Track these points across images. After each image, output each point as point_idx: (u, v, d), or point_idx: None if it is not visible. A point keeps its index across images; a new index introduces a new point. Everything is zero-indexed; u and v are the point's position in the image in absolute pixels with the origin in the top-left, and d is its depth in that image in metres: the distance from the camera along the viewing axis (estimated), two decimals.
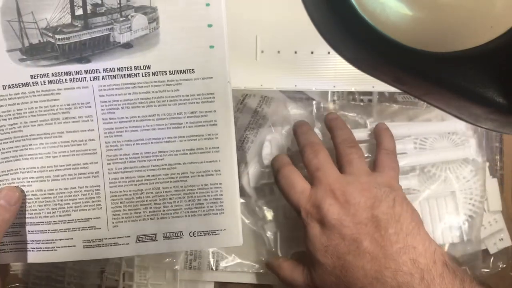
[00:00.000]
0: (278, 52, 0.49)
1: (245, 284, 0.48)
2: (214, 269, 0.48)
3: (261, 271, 0.48)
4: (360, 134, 0.47)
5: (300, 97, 0.51)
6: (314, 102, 0.50)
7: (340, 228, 0.37)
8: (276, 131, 0.49)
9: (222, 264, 0.48)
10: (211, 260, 0.48)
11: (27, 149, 0.37)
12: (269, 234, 0.48)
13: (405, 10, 0.28)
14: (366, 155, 0.46)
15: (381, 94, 0.51)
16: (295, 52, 0.49)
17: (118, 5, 0.36)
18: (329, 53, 0.48)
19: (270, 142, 0.48)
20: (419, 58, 0.28)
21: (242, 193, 0.48)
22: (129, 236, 0.39)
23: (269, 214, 0.48)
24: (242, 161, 0.49)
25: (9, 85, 0.36)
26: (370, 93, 0.50)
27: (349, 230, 0.37)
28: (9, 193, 0.37)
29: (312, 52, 0.49)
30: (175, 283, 0.48)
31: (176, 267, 0.48)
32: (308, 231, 0.39)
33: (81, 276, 0.49)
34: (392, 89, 0.41)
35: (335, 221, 0.37)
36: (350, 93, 0.50)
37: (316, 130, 0.47)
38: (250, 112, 0.50)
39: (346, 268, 0.37)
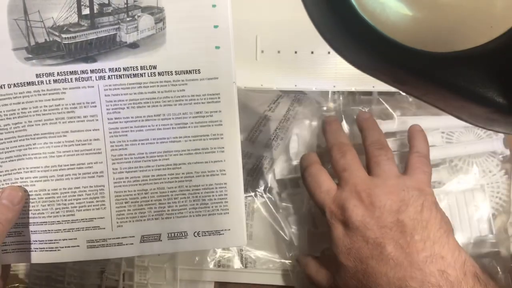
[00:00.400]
0: (278, 52, 0.49)
1: (246, 284, 0.48)
2: (244, 266, 0.48)
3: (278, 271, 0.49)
4: (388, 126, 0.48)
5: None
6: (341, 96, 0.50)
7: (364, 230, 0.37)
8: (304, 126, 0.49)
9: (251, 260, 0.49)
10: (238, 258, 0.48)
11: (30, 148, 0.37)
12: (293, 228, 0.48)
13: (405, 10, 0.28)
14: (394, 151, 0.46)
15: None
16: (295, 52, 0.49)
17: (125, 5, 0.36)
18: (329, 53, 0.48)
19: (297, 136, 0.48)
20: (419, 58, 0.28)
21: (267, 190, 0.49)
22: (133, 236, 0.39)
23: (293, 208, 0.49)
24: (270, 157, 0.49)
25: (14, 84, 0.36)
26: (370, 93, 0.50)
27: (372, 234, 0.36)
28: (12, 192, 0.36)
29: (312, 52, 0.49)
30: (175, 283, 0.48)
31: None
32: (332, 232, 0.39)
33: (81, 276, 0.49)
34: (392, 89, 0.41)
35: (359, 223, 0.37)
36: (350, 93, 0.50)
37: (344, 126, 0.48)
38: (282, 111, 0.50)
39: (369, 274, 0.36)
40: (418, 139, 0.43)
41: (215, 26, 0.37)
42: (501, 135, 0.48)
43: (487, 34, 0.27)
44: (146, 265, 0.48)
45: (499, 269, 0.45)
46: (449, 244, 0.36)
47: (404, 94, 0.48)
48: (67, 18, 0.36)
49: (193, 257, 0.48)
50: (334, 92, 0.50)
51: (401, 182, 0.38)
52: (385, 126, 0.48)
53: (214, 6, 0.36)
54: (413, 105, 0.49)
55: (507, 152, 0.48)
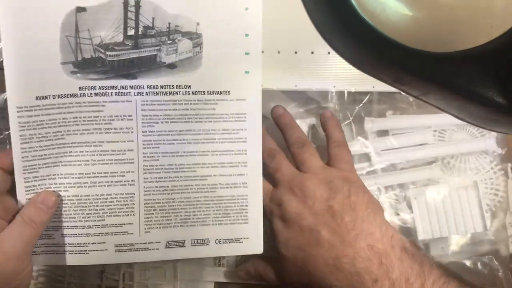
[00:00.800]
0: (278, 52, 0.49)
1: (246, 284, 0.49)
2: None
3: None
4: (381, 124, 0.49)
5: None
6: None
7: (299, 220, 0.39)
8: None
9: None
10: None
11: (66, 155, 0.39)
12: None
13: (405, 10, 0.28)
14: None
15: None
16: (295, 52, 0.49)
17: (167, 29, 0.39)
18: (329, 53, 0.48)
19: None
20: (419, 58, 0.28)
21: None
22: (159, 242, 0.41)
23: None
24: None
25: (58, 95, 0.38)
26: (370, 93, 0.50)
27: (307, 222, 0.39)
28: (47, 196, 0.38)
29: (312, 52, 0.48)
30: (175, 283, 0.48)
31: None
32: (272, 228, 0.41)
33: (81, 276, 0.49)
34: (392, 89, 0.42)
35: (294, 214, 0.39)
36: (350, 93, 0.50)
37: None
38: None
39: (307, 259, 0.39)
40: (332, 128, 0.45)
41: (246, 53, 0.41)
42: (494, 134, 0.49)
43: (487, 34, 0.27)
44: (146, 265, 0.49)
45: (499, 268, 0.47)
46: (377, 221, 0.39)
47: (404, 94, 0.49)
48: (113, 37, 0.39)
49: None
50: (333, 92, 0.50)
51: (328, 174, 0.41)
52: (378, 124, 0.49)
53: (246, 35, 0.41)
54: (413, 105, 0.50)
55: (499, 150, 0.49)
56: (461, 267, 0.48)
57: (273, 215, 0.41)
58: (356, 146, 0.49)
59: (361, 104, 0.49)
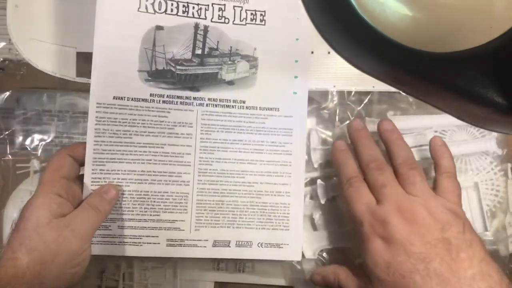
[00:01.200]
0: None
1: (246, 284, 0.49)
2: (242, 271, 0.49)
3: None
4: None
5: None
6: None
7: (407, 245, 0.36)
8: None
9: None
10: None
11: (131, 154, 0.44)
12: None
13: (404, 10, 0.28)
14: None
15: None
16: None
17: (229, 52, 0.46)
18: (329, 53, 0.48)
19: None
20: (419, 58, 0.28)
21: None
22: (207, 240, 0.45)
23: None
24: None
25: (132, 98, 0.44)
26: (370, 93, 0.50)
27: (416, 249, 0.36)
28: (110, 189, 0.42)
29: (312, 52, 0.48)
30: (175, 283, 0.49)
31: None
32: (369, 245, 0.38)
33: None
34: (392, 89, 0.41)
35: (402, 238, 0.37)
36: (350, 93, 0.50)
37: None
38: None
39: None
40: (444, 157, 0.43)
41: (295, 77, 0.47)
42: (494, 135, 0.49)
43: (486, 35, 0.27)
44: (146, 265, 0.49)
45: None
46: (493, 264, 0.36)
47: (404, 94, 0.49)
48: (183, 54, 0.45)
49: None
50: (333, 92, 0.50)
51: (439, 203, 0.39)
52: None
53: (296, 61, 0.47)
54: (413, 105, 0.50)
55: (500, 151, 0.49)
56: None
57: (373, 232, 0.38)
58: None
59: (361, 105, 0.50)
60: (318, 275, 0.44)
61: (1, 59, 0.48)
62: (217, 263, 0.48)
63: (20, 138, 0.48)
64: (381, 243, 0.38)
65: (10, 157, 0.48)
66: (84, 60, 0.46)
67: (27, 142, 0.48)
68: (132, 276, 0.48)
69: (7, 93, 0.48)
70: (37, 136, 0.48)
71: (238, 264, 0.48)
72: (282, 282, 0.48)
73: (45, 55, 0.47)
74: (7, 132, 0.48)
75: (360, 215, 0.40)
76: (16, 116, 0.48)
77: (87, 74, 0.44)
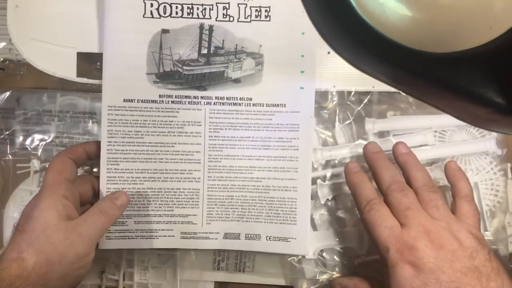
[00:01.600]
0: None
1: (246, 284, 0.50)
2: (242, 271, 0.49)
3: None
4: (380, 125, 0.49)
5: None
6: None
7: (438, 273, 0.35)
8: None
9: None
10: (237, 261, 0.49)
11: (144, 153, 0.46)
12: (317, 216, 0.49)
13: (404, 10, 0.28)
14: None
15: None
16: None
17: (234, 50, 0.46)
18: (329, 53, 0.48)
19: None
20: (419, 59, 0.27)
21: None
22: (218, 233, 0.47)
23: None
24: None
25: (142, 100, 0.46)
26: (370, 93, 0.50)
27: (447, 277, 0.35)
28: (121, 195, 0.44)
29: None
30: (175, 283, 0.49)
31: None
32: (396, 272, 0.36)
33: None
34: (392, 89, 0.41)
35: (433, 265, 0.35)
36: (350, 93, 0.50)
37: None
38: None
39: None
40: (462, 181, 0.42)
41: (302, 72, 0.47)
42: (494, 135, 0.49)
43: (486, 35, 0.26)
44: (146, 265, 0.49)
45: None
46: None
47: (404, 94, 0.49)
48: (189, 55, 0.46)
49: (192, 257, 0.49)
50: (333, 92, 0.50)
51: (463, 229, 0.38)
52: (379, 125, 0.49)
53: (302, 56, 0.47)
54: (413, 105, 0.50)
55: (499, 151, 0.49)
56: None
57: (401, 258, 0.36)
58: (358, 147, 0.49)
59: (361, 105, 0.50)
60: (338, 284, 0.43)
61: (1, 59, 0.48)
62: (217, 263, 0.49)
63: (20, 138, 0.49)
64: (410, 270, 0.36)
65: (10, 157, 0.49)
66: (84, 60, 0.47)
67: (27, 142, 0.49)
68: (132, 276, 0.49)
69: (7, 93, 0.48)
70: (37, 136, 0.49)
71: (238, 264, 0.49)
72: (282, 282, 0.49)
73: (45, 55, 0.47)
74: (7, 132, 0.49)
75: (385, 240, 0.38)
76: (16, 116, 0.49)
77: (87, 74, 0.46)
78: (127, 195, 0.44)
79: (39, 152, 0.49)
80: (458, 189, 0.42)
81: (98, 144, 0.46)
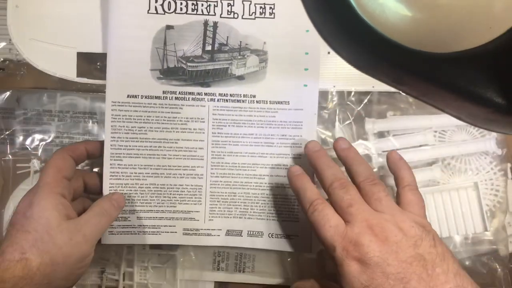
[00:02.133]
0: None
1: (245, 284, 0.50)
2: (242, 271, 0.49)
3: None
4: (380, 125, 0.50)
5: None
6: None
7: (384, 266, 0.35)
8: None
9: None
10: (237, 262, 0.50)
11: (147, 149, 0.46)
12: None
13: (404, 11, 0.28)
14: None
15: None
16: None
17: (239, 46, 0.46)
18: (329, 53, 0.48)
19: None
20: (419, 59, 0.28)
21: None
22: (220, 229, 0.47)
23: None
24: None
25: (146, 95, 0.46)
26: (370, 93, 0.50)
27: (393, 269, 0.35)
28: (119, 197, 0.44)
29: None
30: (175, 283, 0.49)
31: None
32: (344, 270, 0.37)
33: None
34: (392, 89, 0.41)
35: (378, 259, 0.36)
36: (350, 93, 0.50)
37: None
38: None
39: None
40: (404, 170, 0.43)
41: (306, 69, 0.47)
42: (494, 135, 0.49)
43: (486, 35, 0.27)
44: (146, 265, 0.49)
45: (498, 267, 0.48)
46: (466, 276, 0.36)
47: (404, 94, 0.49)
48: (193, 51, 0.46)
49: (192, 257, 0.50)
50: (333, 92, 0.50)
51: (407, 218, 0.38)
52: (379, 125, 0.49)
53: (306, 53, 0.47)
54: (413, 105, 0.50)
55: (499, 151, 0.49)
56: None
57: (347, 255, 0.36)
58: (358, 147, 0.49)
59: (361, 105, 0.50)
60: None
61: (2, 59, 0.48)
62: (217, 263, 0.49)
63: (21, 138, 0.49)
64: (357, 266, 0.36)
65: (10, 157, 0.49)
66: (84, 60, 0.47)
67: (28, 142, 0.49)
68: (132, 276, 0.49)
69: (8, 93, 0.49)
70: (37, 136, 0.49)
71: (238, 264, 0.49)
72: (282, 282, 0.50)
73: (45, 55, 0.47)
74: (7, 132, 0.49)
75: (330, 239, 0.38)
76: (16, 116, 0.49)
77: (87, 74, 0.46)
78: (124, 197, 0.45)
79: (39, 152, 0.49)
80: (400, 178, 0.42)
81: (101, 143, 0.46)
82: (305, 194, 0.41)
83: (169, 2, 0.45)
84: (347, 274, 0.36)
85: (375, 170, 0.50)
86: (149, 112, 0.46)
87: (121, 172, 0.46)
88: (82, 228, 0.39)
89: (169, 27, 0.45)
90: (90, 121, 0.48)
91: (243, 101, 0.47)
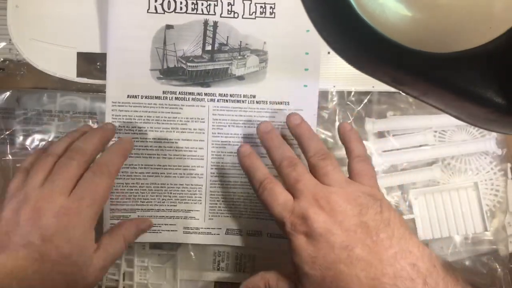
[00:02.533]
0: None
1: None
2: (242, 271, 0.49)
3: None
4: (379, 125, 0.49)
5: None
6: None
7: (328, 236, 0.36)
8: None
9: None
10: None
11: (147, 149, 0.46)
12: None
13: (404, 11, 0.28)
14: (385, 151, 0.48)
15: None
16: None
17: (239, 46, 0.46)
18: (329, 53, 0.48)
19: None
20: (419, 59, 0.28)
21: None
22: (220, 228, 0.47)
23: None
24: None
25: (146, 96, 0.46)
26: (370, 93, 0.50)
27: (338, 238, 0.36)
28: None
29: None
30: (175, 283, 0.49)
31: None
32: (293, 243, 0.37)
33: None
34: (392, 89, 0.40)
35: (322, 230, 0.36)
36: (350, 93, 0.50)
37: None
38: None
39: (338, 279, 0.35)
40: (353, 141, 0.43)
41: (306, 69, 0.47)
42: (494, 135, 0.49)
43: (486, 35, 0.27)
44: (146, 265, 0.49)
45: (498, 267, 0.48)
46: (413, 239, 0.36)
47: (403, 94, 0.49)
48: (193, 51, 0.46)
49: (193, 257, 0.49)
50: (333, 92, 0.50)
51: (354, 188, 0.38)
52: (379, 125, 0.49)
53: (307, 53, 0.47)
54: (413, 105, 0.50)
55: (499, 151, 0.49)
56: (460, 267, 0.49)
57: (295, 229, 0.37)
58: None
59: (361, 105, 0.50)
60: (249, 284, 0.41)
61: (2, 59, 0.48)
62: (217, 263, 0.49)
63: (21, 138, 0.48)
64: (304, 239, 0.37)
65: (10, 157, 0.48)
66: (84, 60, 0.47)
67: (28, 142, 0.48)
68: (132, 276, 0.49)
69: (8, 93, 0.48)
70: (37, 136, 0.48)
71: (238, 264, 0.49)
72: None
73: (45, 55, 0.47)
74: (7, 132, 0.48)
75: (280, 216, 0.38)
76: (16, 116, 0.48)
77: (87, 74, 0.46)
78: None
79: None
80: (350, 150, 0.42)
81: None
82: (255, 174, 0.42)
83: (169, 1, 0.45)
84: (296, 247, 0.37)
85: (376, 169, 0.48)
86: (149, 112, 0.46)
87: (122, 172, 0.46)
88: (107, 259, 0.40)
89: (169, 27, 0.45)
90: (90, 121, 0.48)
91: (243, 101, 0.47)
